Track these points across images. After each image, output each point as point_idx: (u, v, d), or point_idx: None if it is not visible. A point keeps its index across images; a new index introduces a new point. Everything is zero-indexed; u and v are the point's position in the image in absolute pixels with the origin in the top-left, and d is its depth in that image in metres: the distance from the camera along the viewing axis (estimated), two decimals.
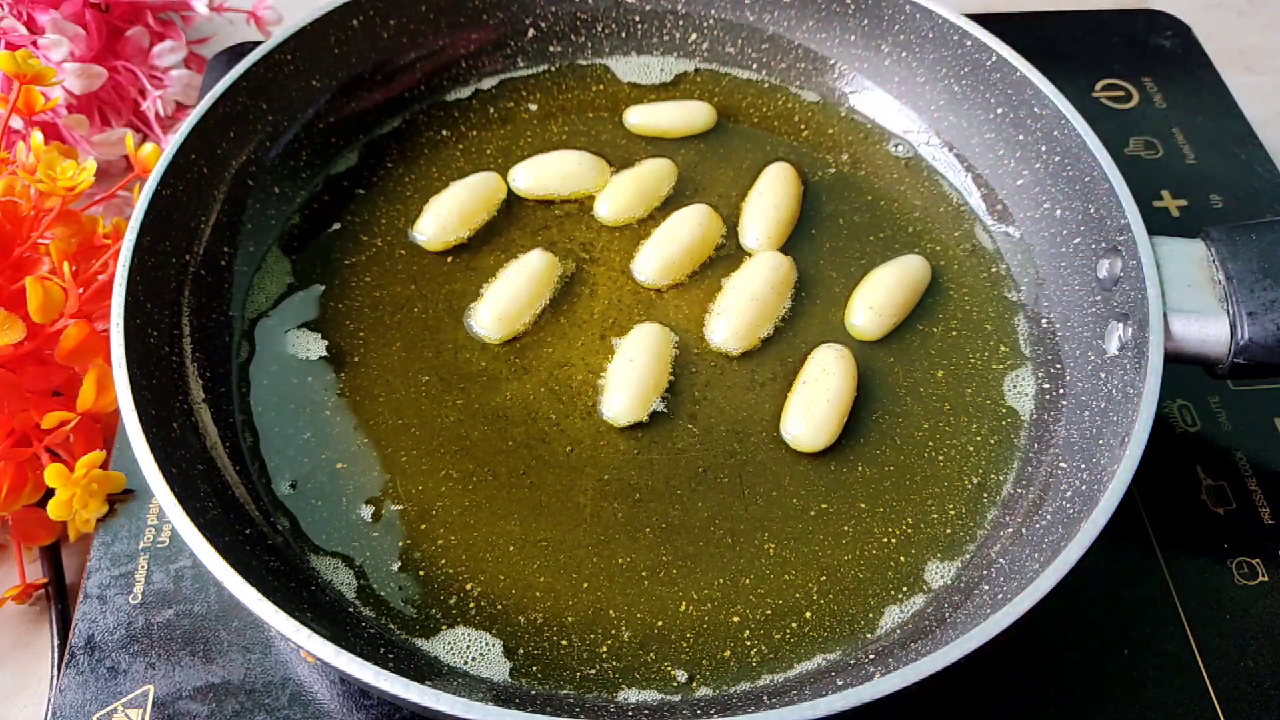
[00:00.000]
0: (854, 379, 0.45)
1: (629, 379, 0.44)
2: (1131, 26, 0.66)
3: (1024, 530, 0.40)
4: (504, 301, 0.46)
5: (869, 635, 0.39)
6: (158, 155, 0.48)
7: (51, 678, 0.43)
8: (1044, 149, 0.48)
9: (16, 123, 0.55)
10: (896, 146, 0.53)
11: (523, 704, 0.37)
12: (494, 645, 0.39)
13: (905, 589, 0.40)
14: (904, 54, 0.53)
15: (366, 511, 0.41)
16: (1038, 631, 0.41)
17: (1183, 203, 0.57)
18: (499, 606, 0.39)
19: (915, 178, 0.52)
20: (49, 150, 0.48)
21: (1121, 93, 0.62)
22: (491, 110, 0.54)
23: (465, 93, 0.54)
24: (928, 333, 0.47)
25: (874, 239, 0.50)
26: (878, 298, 0.47)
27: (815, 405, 0.43)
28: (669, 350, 0.45)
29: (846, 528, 0.41)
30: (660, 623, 0.39)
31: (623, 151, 0.52)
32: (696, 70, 0.56)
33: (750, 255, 0.49)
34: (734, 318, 0.46)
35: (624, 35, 0.56)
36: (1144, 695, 0.41)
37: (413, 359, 0.45)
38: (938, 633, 0.38)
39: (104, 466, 0.45)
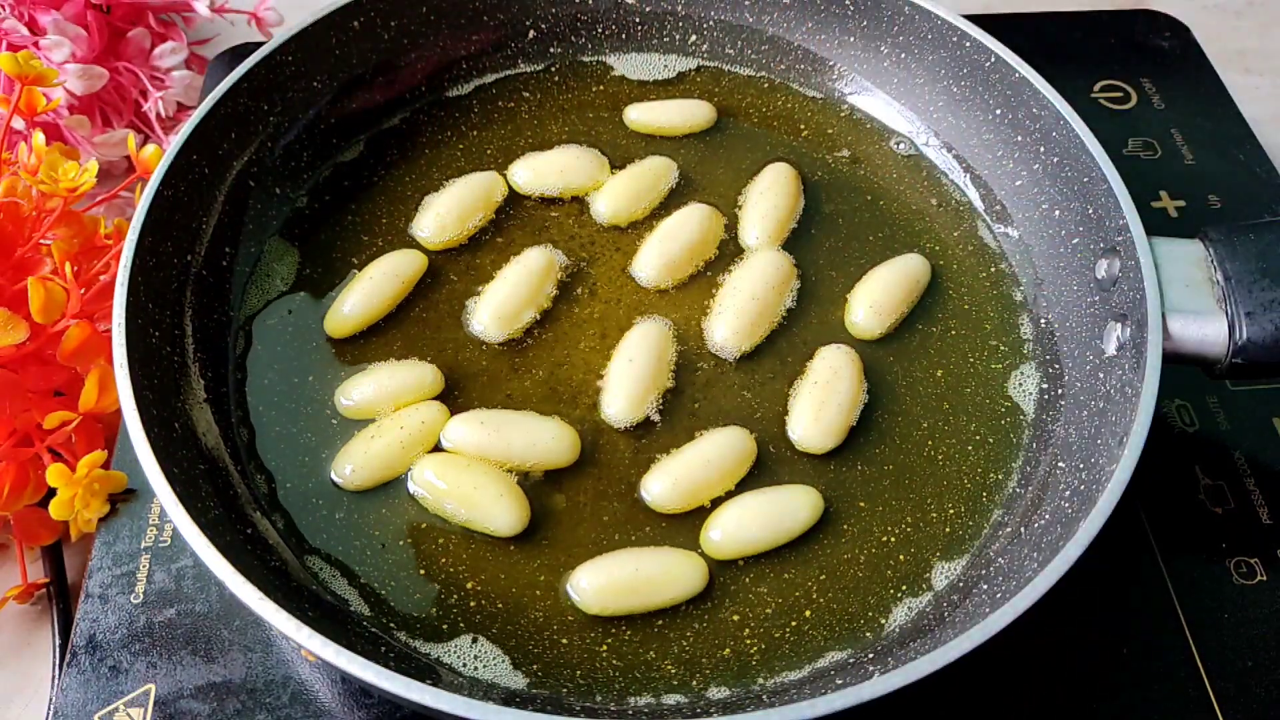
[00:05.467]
0: (862, 382, 0.45)
1: (629, 379, 0.44)
2: (1130, 27, 0.66)
3: (1023, 530, 0.40)
4: (504, 301, 0.46)
5: (868, 634, 0.39)
6: (159, 156, 0.48)
7: (53, 677, 0.43)
8: (1043, 150, 0.48)
9: (18, 124, 0.55)
10: (896, 146, 0.53)
11: (523, 703, 0.37)
12: (494, 644, 0.39)
13: (904, 588, 0.40)
14: (903, 55, 0.53)
15: (366, 510, 0.41)
16: (1037, 631, 0.41)
17: (1181, 203, 0.57)
18: (499, 605, 0.39)
19: (915, 177, 0.52)
20: (51, 151, 0.48)
21: (1120, 93, 0.62)
22: (491, 109, 0.54)
23: (465, 91, 0.54)
24: (927, 332, 0.47)
25: (874, 238, 0.50)
26: (878, 297, 0.47)
27: (827, 408, 0.43)
28: (669, 350, 0.45)
29: (846, 526, 0.42)
30: (660, 621, 0.39)
31: (623, 150, 0.52)
32: (697, 69, 0.56)
33: (750, 254, 0.49)
34: (734, 317, 0.46)
35: (624, 36, 0.56)
36: (1143, 695, 0.41)
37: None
38: (937, 632, 0.38)
39: (105, 466, 0.45)
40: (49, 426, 0.44)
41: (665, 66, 0.56)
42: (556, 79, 0.55)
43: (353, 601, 0.39)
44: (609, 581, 0.39)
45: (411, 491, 0.41)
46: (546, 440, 0.42)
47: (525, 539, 0.41)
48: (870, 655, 0.38)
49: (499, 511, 0.40)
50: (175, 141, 0.44)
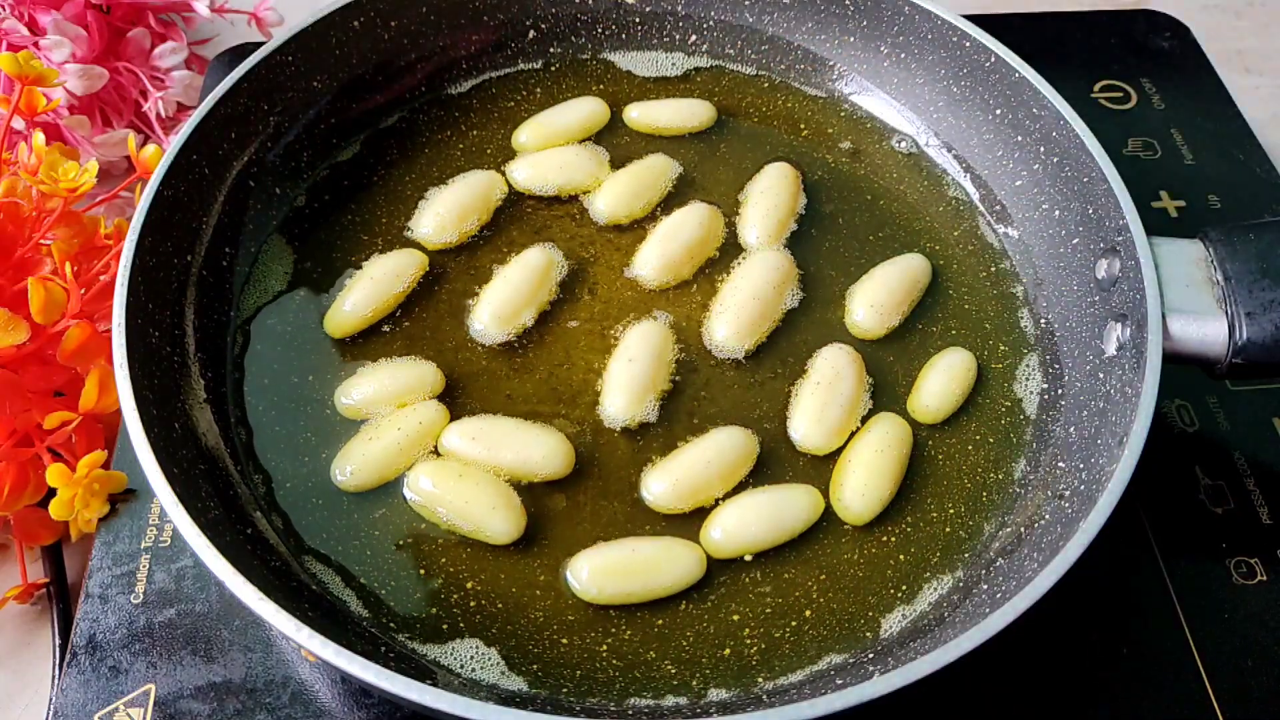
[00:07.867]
0: (865, 383, 0.45)
1: (629, 379, 0.44)
2: (1130, 27, 0.66)
3: (1023, 530, 0.40)
4: (503, 301, 0.46)
5: (868, 634, 0.39)
6: (159, 156, 0.48)
7: (53, 677, 0.43)
8: (1042, 150, 0.48)
9: (18, 124, 0.55)
10: (897, 145, 0.53)
11: (523, 703, 0.37)
12: (494, 644, 0.39)
13: (905, 588, 0.40)
14: (903, 55, 0.53)
15: (366, 510, 0.41)
16: (1037, 631, 0.41)
17: (1181, 203, 0.57)
18: (499, 605, 0.39)
19: (915, 177, 0.52)
20: (51, 151, 0.48)
21: (1120, 93, 0.62)
22: (491, 108, 0.54)
23: (465, 90, 0.55)
24: (927, 331, 0.47)
25: (874, 238, 0.50)
26: (878, 296, 0.47)
27: (830, 409, 0.43)
28: (669, 349, 0.45)
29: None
30: (660, 621, 0.39)
31: (623, 149, 0.52)
32: (697, 68, 0.56)
33: (750, 254, 0.49)
34: (734, 317, 0.46)
35: (624, 36, 0.56)
36: (1143, 695, 0.41)
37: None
38: (937, 632, 0.38)
39: (105, 466, 0.45)
40: (49, 426, 0.44)
41: (665, 65, 0.56)
42: (556, 78, 0.55)
43: (352, 602, 0.39)
44: (605, 563, 0.39)
45: (408, 498, 0.41)
46: (537, 457, 0.42)
47: (525, 539, 0.41)
48: (870, 655, 0.38)
49: (493, 522, 0.40)
50: (175, 141, 0.44)
